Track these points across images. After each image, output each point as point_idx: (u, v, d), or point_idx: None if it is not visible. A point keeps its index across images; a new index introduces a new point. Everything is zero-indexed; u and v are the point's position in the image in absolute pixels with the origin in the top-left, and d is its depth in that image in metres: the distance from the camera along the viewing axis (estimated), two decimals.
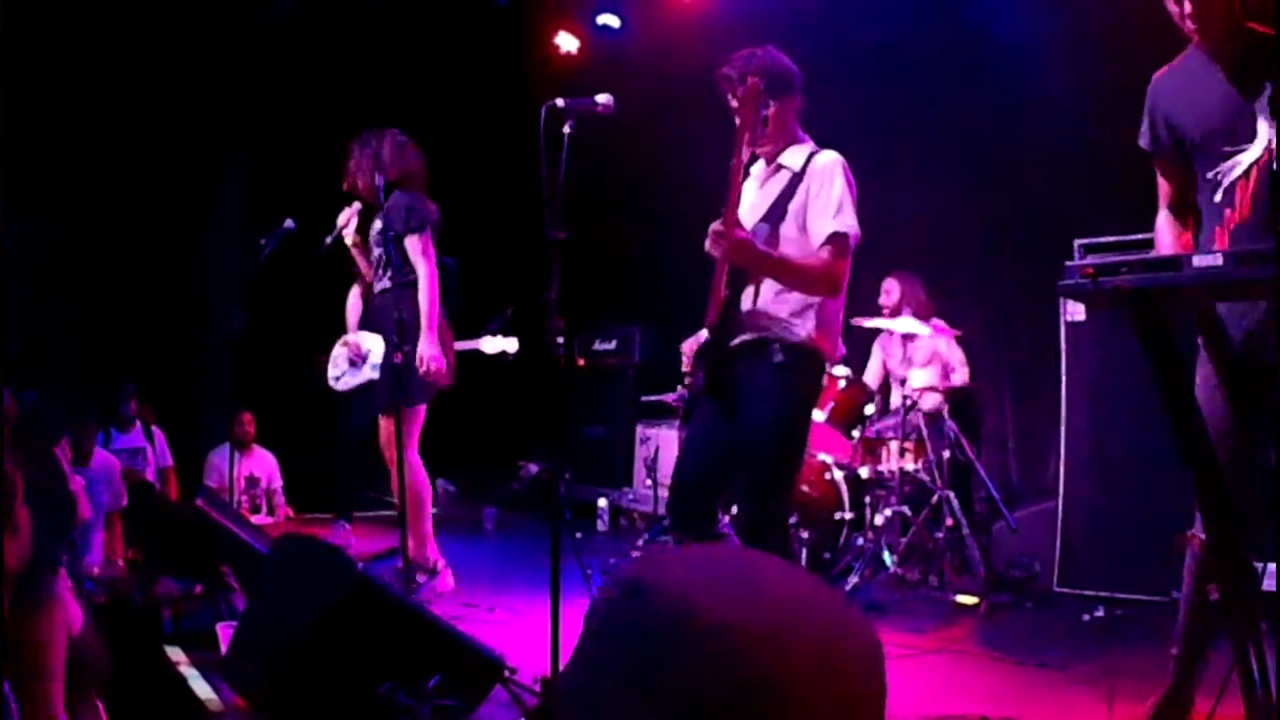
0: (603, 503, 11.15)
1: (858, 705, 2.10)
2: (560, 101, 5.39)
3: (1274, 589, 6.26)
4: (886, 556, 7.96)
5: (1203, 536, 4.17)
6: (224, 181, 11.81)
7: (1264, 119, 4.03)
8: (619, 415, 11.67)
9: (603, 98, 5.48)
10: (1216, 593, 4.12)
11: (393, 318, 7.26)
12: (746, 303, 5.21)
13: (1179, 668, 4.41)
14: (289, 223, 8.30)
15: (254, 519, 10.02)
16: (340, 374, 8.58)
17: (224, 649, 5.10)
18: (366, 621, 4.23)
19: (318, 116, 11.57)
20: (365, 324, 8.07)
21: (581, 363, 9.75)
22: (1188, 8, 4.03)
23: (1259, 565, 3.72)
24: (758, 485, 5.13)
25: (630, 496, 11.14)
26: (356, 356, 8.40)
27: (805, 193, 5.19)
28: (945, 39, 9.13)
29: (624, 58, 11.16)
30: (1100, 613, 6.99)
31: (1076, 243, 7.40)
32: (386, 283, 7.60)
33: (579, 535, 10.01)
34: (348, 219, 7.84)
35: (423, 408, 7.47)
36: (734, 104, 5.19)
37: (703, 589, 2.07)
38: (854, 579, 7.54)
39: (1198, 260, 3.20)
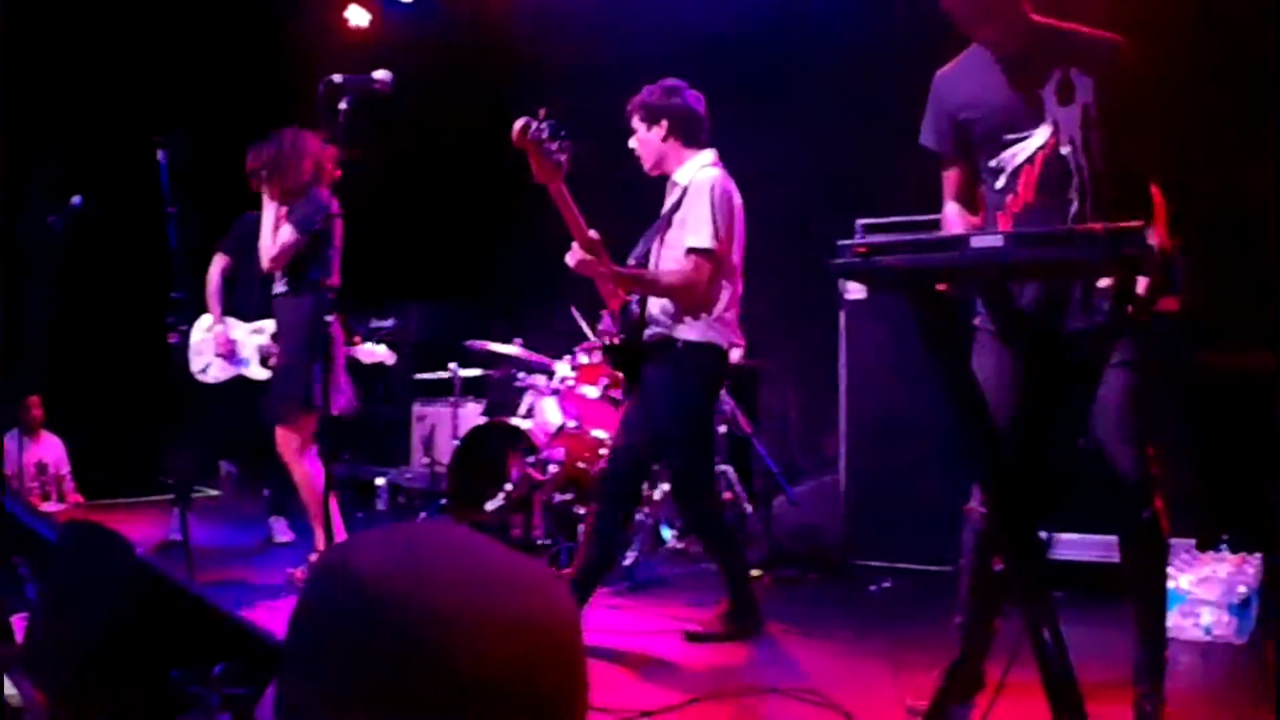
0: (381, 481, 11.06)
1: (555, 687, 2.10)
2: (338, 77, 5.42)
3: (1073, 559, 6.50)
4: (665, 531, 7.95)
5: (982, 509, 4.28)
6: (30, 161, 11.40)
7: (1050, 106, 4.15)
8: (396, 394, 11.57)
9: (381, 74, 5.48)
10: (1000, 564, 4.23)
11: (289, 322, 7.17)
12: (650, 303, 5.89)
13: (966, 637, 4.50)
14: (77, 199, 8.04)
15: (44, 506, 9.71)
16: (207, 364, 8.38)
17: (19, 641, 4.97)
18: (150, 610, 4.13)
19: (117, 95, 11.27)
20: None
21: (359, 341, 9.68)
22: (963, 14, 4.16)
23: (1048, 535, 3.80)
24: (676, 467, 6.06)
25: (408, 475, 11.01)
26: (224, 350, 8.25)
27: (682, 209, 5.88)
28: (740, 21, 9.17)
29: (416, 33, 11.04)
30: (888, 584, 7.11)
31: (858, 222, 7.50)
32: (282, 286, 7.32)
33: (360, 515, 9.95)
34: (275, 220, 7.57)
35: (314, 415, 7.14)
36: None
37: (389, 570, 2.05)
38: (633, 554, 7.45)
39: (976, 241, 3.15)
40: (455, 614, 1.96)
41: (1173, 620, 5.51)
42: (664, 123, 5.95)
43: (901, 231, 6.99)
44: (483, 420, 8.83)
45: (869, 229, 7.47)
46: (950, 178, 4.54)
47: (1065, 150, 4.11)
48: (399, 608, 1.96)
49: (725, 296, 5.90)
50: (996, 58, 4.27)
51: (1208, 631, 5.82)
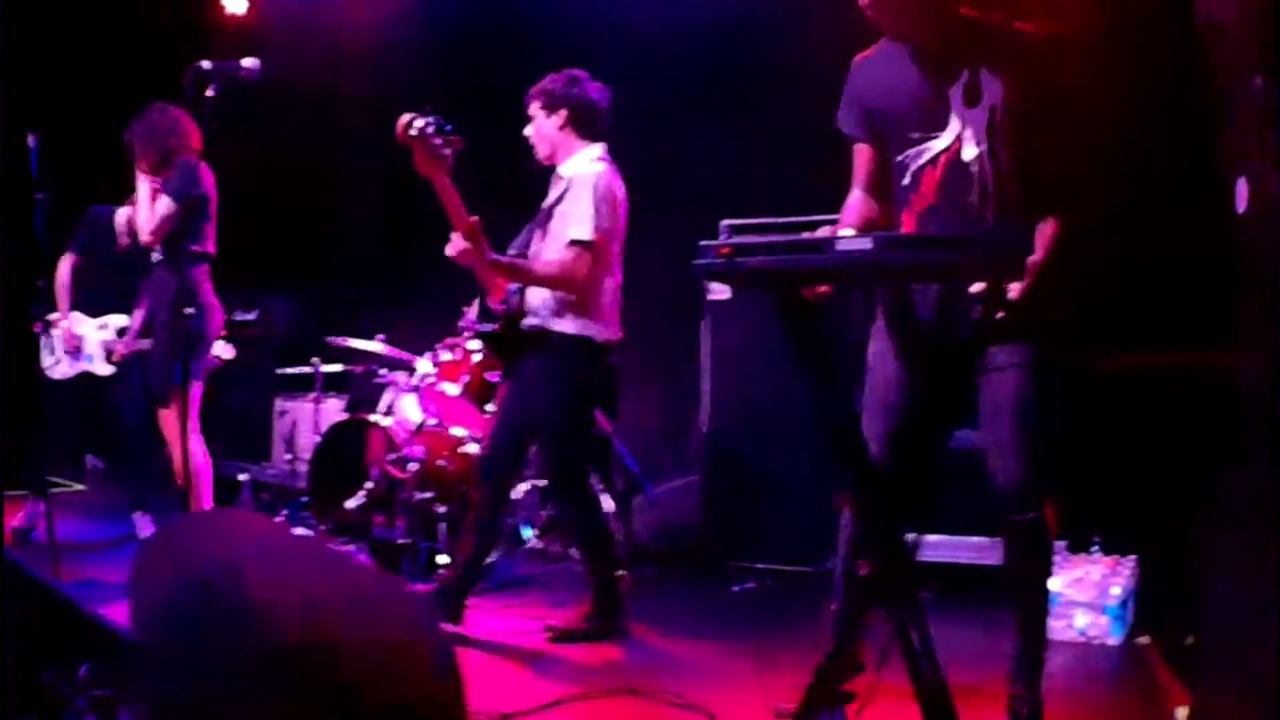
0: (244, 477, 10.85)
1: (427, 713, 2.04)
2: (206, 64, 5.38)
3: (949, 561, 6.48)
4: (525, 530, 7.82)
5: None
6: None
7: (956, 108, 4.11)
8: (259, 387, 11.36)
9: (249, 62, 5.45)
10: (865, 569, 4.18)
11: (167, 288, 6.92)
12: (528, 293, 5.94)
13: (840, 628, 4.46)
14: None
15: None
16: (56, 361, 8.19)
17: None
18: (16, 608, 4.02)
19: None
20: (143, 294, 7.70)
21: (224, 333, 9.49)
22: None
23: (914, 537, 3.76)
24: (551, 459, 6.18)
25: (270, 471, 10.80)
26: (70, 346, 8.06)
27: (565, 202, 5.87)
28: (613, 12, 9.09)
29: (293, 20, 10.83)
30: (751, 584, 7.07)
31: (723, 223, 7.43)
32: (159, 256, 7.11)
33: None
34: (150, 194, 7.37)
35: (199, 385, 7.03)
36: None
37: (273, 594, 1.96)
38: (493, 553, 7.29)
39: (843, 244, 3.14)
40: (338, 637, 1.88)
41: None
42: (563, 112, 5.96)
43: (767, 233, 6.94)
44: (344, 417, 8.71)
45: (735, 230, 7.40)
46: (860, 163, 4.48)
47: (968, 154, 4.09)
48: (284, 632, 1.87)
49: (605, 290, 5.96)
50: (912, 52, 4.22)
51: (1082, 632, 5.85)
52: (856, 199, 4.47)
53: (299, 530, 7.79)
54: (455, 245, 5.54)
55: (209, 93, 5.49)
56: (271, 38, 9.77)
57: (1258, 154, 3.93)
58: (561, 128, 5.95)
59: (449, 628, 5.79)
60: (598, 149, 6.00)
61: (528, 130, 6.02)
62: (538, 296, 5.89)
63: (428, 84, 7.40)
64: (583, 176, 5.86)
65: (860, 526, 3.83)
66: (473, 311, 7.79)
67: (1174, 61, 6.07)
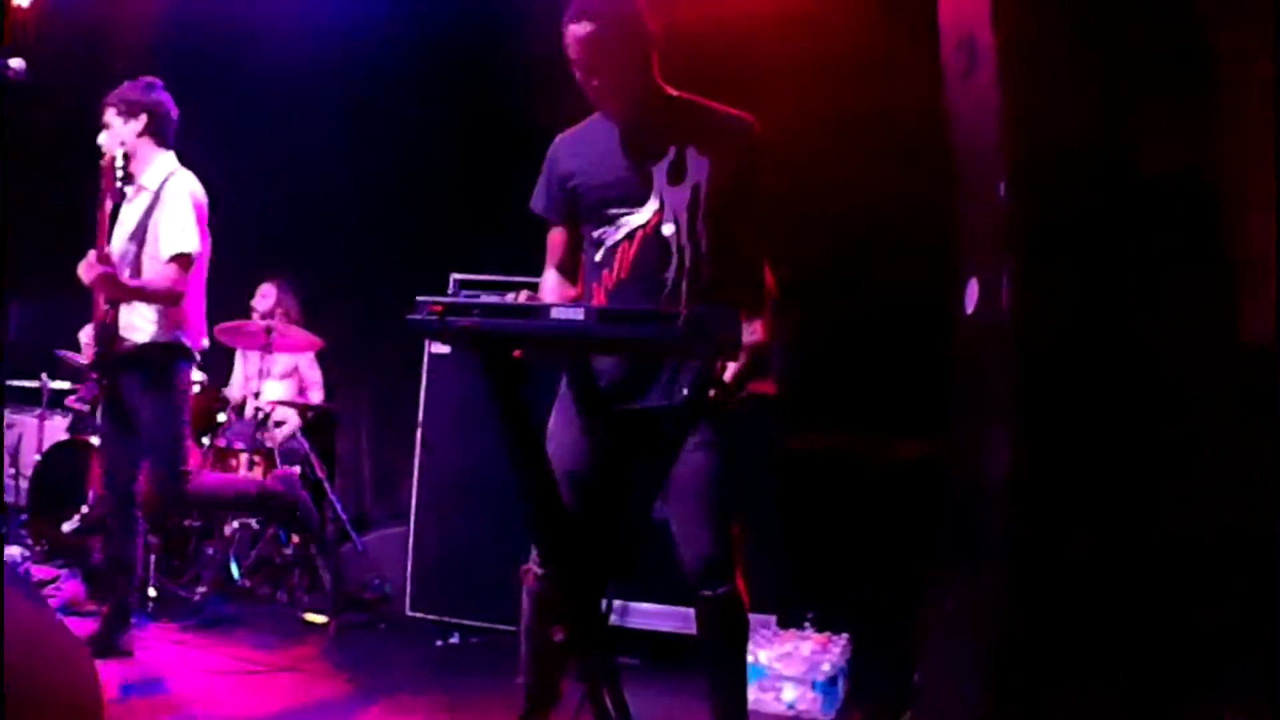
0: None
1: None
2: None
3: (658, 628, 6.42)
4: (234, 568, 7.61)
5: (538, 570, 4.11)
6: None
7: (659, 184, 4.03)
8: None
9: (15, 62, 5.33)
10: (560, 634, 4.11)
11: None
12: (123, 314, 5.84)
13: (529, 697, 4.38)
14: None
15: None
16: None
17: None
18: None
19: None
20: None
21: None
22: (595, 82, 3.99)
23: (610, 602, 3.71)
24: (159, 466, 5.93)
25: None
26: None
27: (159, 213, 5.82)
28: (353, 54, 8.96)
29: (78, 17, 10.47)
30: (455, 639, 6.90)
31: (453, 277, 7.31)
32: None
33: None
34: None
35: None
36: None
37: None
38: (202, 589, 7.16)
39: (558, 313, 3.15)
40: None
41: (753, 694, 5.47)
42: (142, 118, 5.93)
43: (499, 291, 6.82)
44: (65, 436, 8.47)
45: (464, 285, 7.27)
46: (555, 244, 4.37)
47: (667, 230, 4.00)
48: None
49: (196, 298, 6.02)
50: (618, 128, 4.14)
51: (791, 706, 5.80)
52: (553, 281, 4.37)
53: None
54: (93, 269, 5.59)
55: None
56: (48, 35, 9.45)
57: (994, 263, 3.98)
58: (140, 134, 5.92)
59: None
60: (173, 156, 6.01)
61: (101, 138, 5.94)
62: (136, 314, 5.85)
63: (195, 87, 7.17)
64: (175, 190, 5.86)
65: (555, 591, 3.77)
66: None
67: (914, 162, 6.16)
